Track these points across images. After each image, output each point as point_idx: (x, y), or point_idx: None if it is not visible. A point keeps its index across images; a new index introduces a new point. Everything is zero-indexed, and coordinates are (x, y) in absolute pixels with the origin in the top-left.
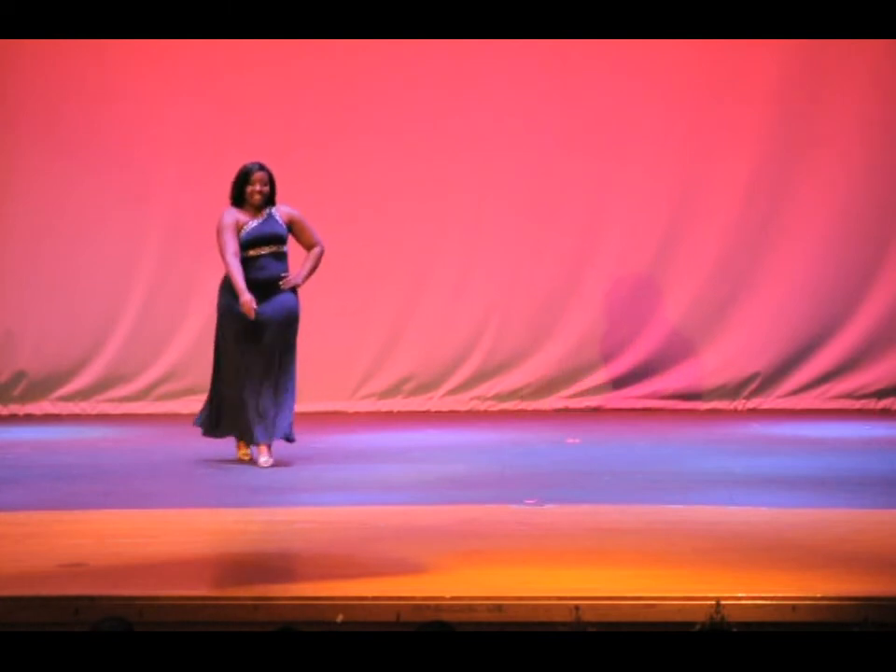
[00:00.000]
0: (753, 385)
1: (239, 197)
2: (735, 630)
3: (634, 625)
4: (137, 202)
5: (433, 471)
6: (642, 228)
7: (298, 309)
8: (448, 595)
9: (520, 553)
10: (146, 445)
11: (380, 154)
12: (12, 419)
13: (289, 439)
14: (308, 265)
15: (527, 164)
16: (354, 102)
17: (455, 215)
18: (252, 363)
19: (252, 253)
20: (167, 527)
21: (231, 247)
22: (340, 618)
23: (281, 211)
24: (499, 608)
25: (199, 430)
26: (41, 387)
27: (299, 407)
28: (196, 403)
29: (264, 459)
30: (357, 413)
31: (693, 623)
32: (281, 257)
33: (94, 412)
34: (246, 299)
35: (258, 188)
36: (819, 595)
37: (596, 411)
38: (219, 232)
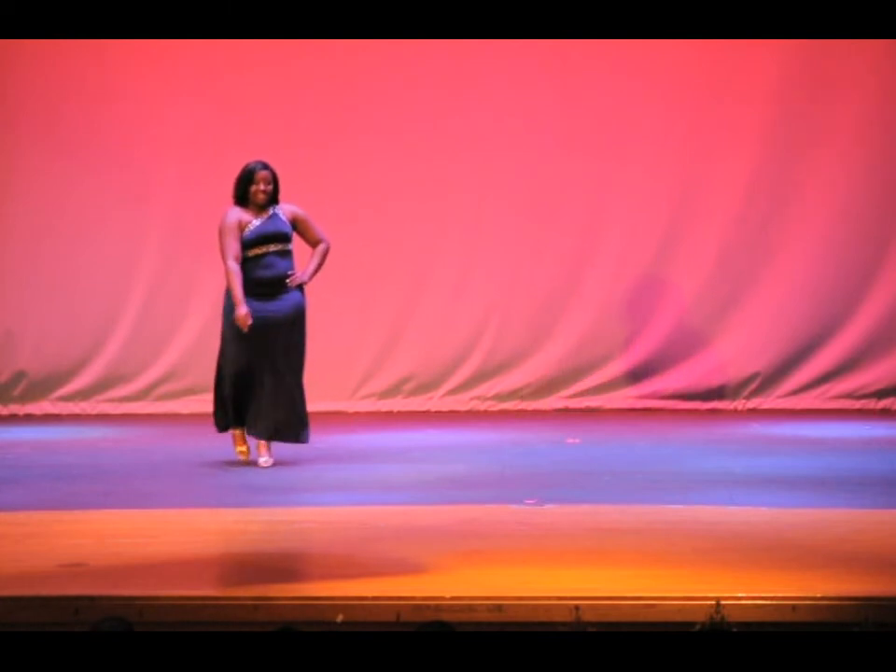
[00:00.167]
0: (753, 385)
1: (243, 196)
2: (735, 630)
3: (634, 625)
4: (137, 202)
5: (433, 471)
6: (642, 228)
7: (305, 307)
8: (448, 595)
9: (520, 553)
10: (146, 445)
11: (380, 154)
12: (12, 419)
13: (301, 440)
14: (314, 262)
15: (527, 164)
16: (354, 102)
17: (454, 215)
18: (258, 362)
19: (257, 251)
20: (167, 527)
21: (232, 251)
22: (340, 618)
23: (285, 209)
24: (499, 608)
25: (216, 432)
26: (41, 387)
27: None
28: (196, 403)
29: (264, 459)
30: (356, 413)
31: (693, 623)
32: (286, 255)
33: (94, 412)
34: (243, 312)
35: (261, 187)
36: (819, 595)
37: (596, 411)
38: (221, 234)
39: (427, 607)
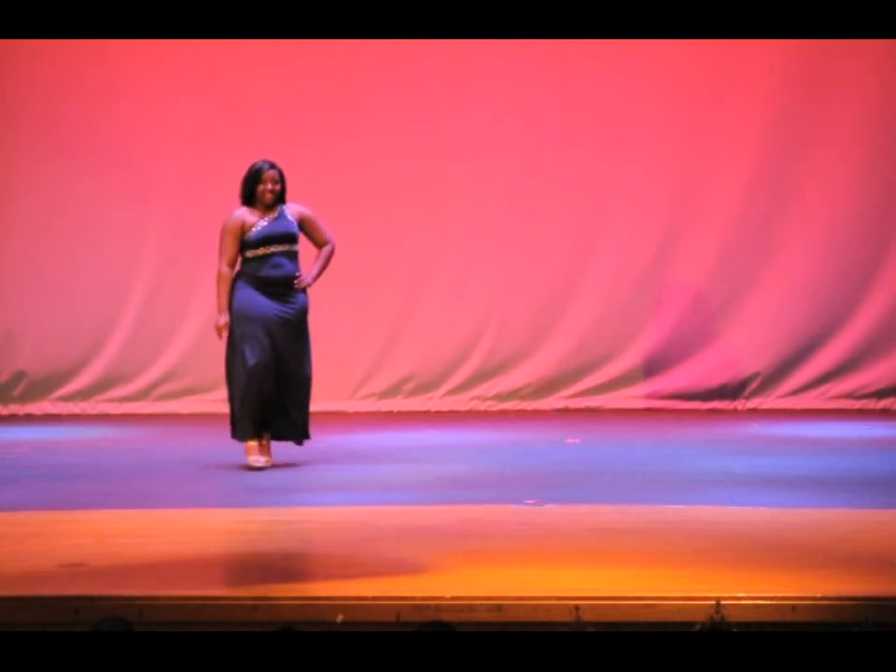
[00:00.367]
0: (753, 385)
1: (250, 196)
2: (735, 630)
3: (634, 625)
4: (137, 202)
5: (433, 471)
6: (642, 228)
7: (308, 308)
8: (448, 595)
9: (520, 553)
10: (146, 445)
11: (380, 154)
12: (12, 419)
13: (302, 441)
14: (319, 263)
15: (527, 164)
16: (354, 102)
17: (455, 215)
18: (275, 363)
19: (264, 251)
20: (167, 527)
21: (228, 255)
22: (340, 618)
23: (292, 209)
24: (499, 608)
25: (236, 440)
26: (41, 387)
27: None
28: (196, 403)
29: (266, 459)
30: (356, 413)
31: (693, 623)
32: (293, 256)
33: (94, 412)
34: (223, 322)
35: (269, 186)
36: (819, 595)
37: (596, 411)
38: (222, 234)
39: (427, 607)
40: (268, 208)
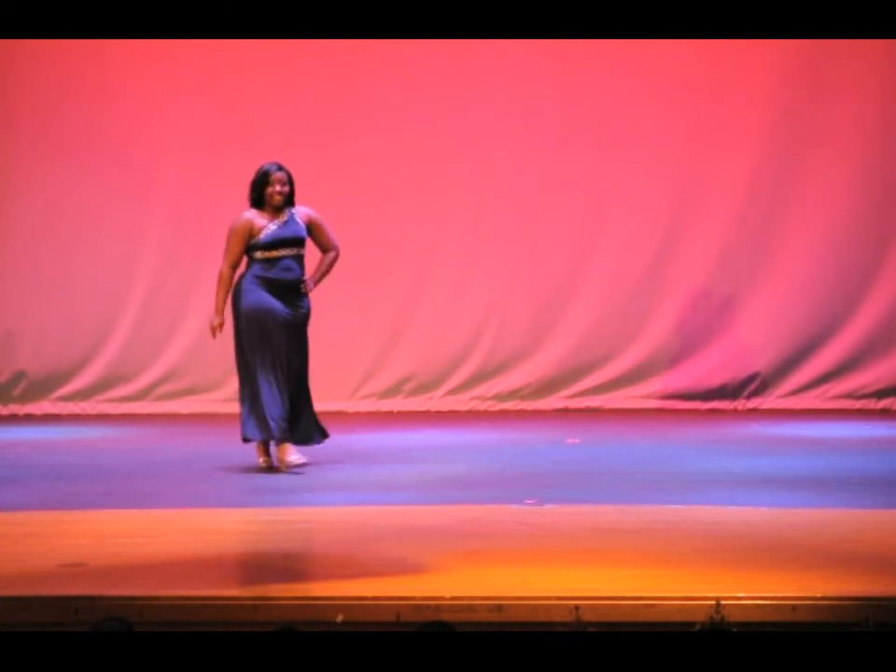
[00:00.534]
0: (753, 385)
1: (259, 199)
2: (735, 630)
3: (634, 625)
4: (137, 202)
5: (433, 471)
6: (642, 228)
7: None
8: (448, 595)
9: (520, 553)
10: (146, 445)
11: (380, 154)
12: (12, 419)
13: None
14: (322, 269)
15: (527, 164)
16: (354, 102)
17: (455, 215)
18: (286, 365)
19: (274, 254)
20: (167, 527)
21: (232, 256)
22: (340, 618)
23: (301, 212)
24: (499, 608)
25: (248, 441)
26: (41, 387)
27: None
28: (196, 403)
29: (297, 457)
30: (356, 413)
31: (693, 623)
32: (301, 259)
33: (94, 412)
34: (218, 322)
35: (277, 188)
36: (819, 595)
37: (596, 411)
38: (229, 235)
39: (427, 607)
40: (277, 211)
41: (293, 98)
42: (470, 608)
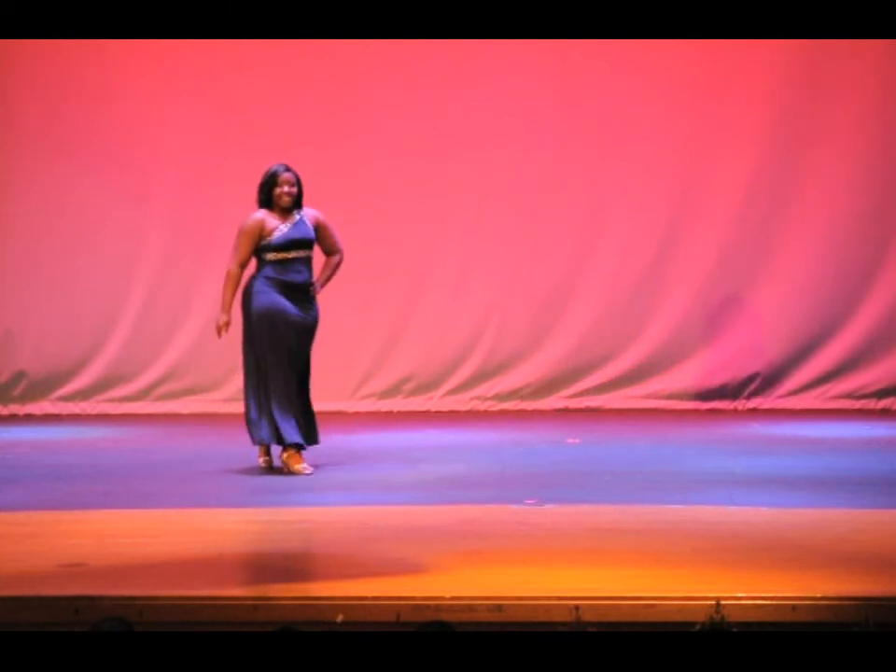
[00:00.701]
0: (753, 385)
1: (267, 200)
2: (735, 630)
3: (634, 625)
4: (137, 202)
5: (433, 471)
6: (642, 228)
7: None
8: (448, 595)
9: (520, 553)
10: (146, 445)
11: (380, 154)
12: (12, 419)
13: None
14: (327, 272)
15: (527, 164)
16: (354, 102)
17: (455, 215)
18: (298, 367)
19: (285, 255)
20: (167, 527)
21: (241, 255)
22: (340, 618)
23: (308, 214)
24: (499, 608)
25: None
26: (41, 387)
27: None
28: (196, 403)
29: (305, 466)
30: (356, 413)
31: (693, 623)
32: (310, 262)
33: (94, 412)
34: (225, 321)
35: (285, 189)
36: (819, 595)
37: (596, 411)
38: (239, 234)
39: (427, 607)
40: (285, 212)
41: (293, 98)
42: (470, 608)
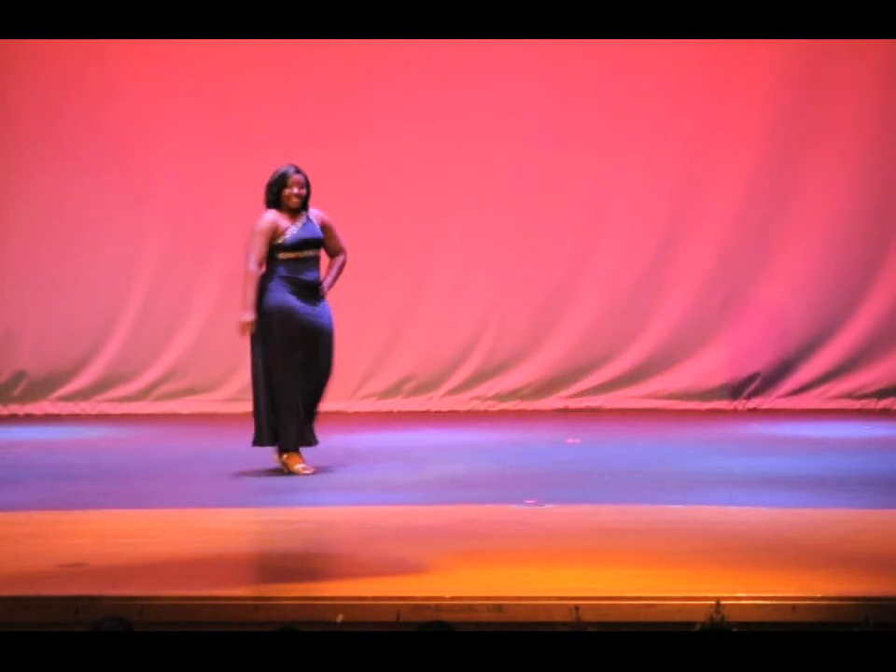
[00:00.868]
0: (753, 385)
1: (276, 200)
2: (735, 630)
3: (634, 625)
4: (137, 202)
5: (433, 471)
6: (642, 228)
7: None
8: (448, 595)
9: (520, 553)
10: (146, 445)
11: (380, 154)
12: (12, 419)
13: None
14: (333, 273)
15: (527, 164)
16: (354, 102)
17: (455, 215)
18: (310, 367)
19: (297, 255)
20: (167, 527)
21: (258, 255)
22: (340, 618)
23: (315, 215)
24: (499, 608)
25: (263, 447)
26: (41, 387)
27: None
28: (196, 403)
29: (303, 466)
30: (357, 413)
31: (693, 623)
32: (319, 261)
33: (94, 412)
34: (251, 318)
35: (295, 190)
36: (819, 595)
37: (596, 411)
38: (254, 234)
39: (427, 607)
40: (294, 213)
41: (293, 98)
42: (470, 608)
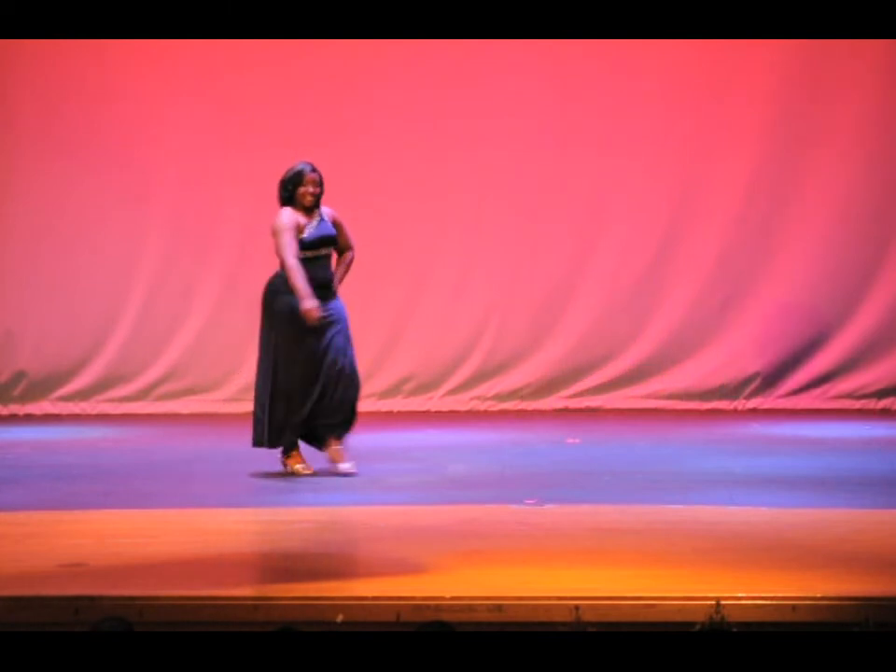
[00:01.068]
0: (753, 385)
1: (290, 197)
2: (735, 630)
3: (634, 625)
4: (137, 202)
5: (433, 471)
6: (642, 228)
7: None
8: (448, 595)
9: (520, 553)
10: (146, 445)
11: (380, 154)
12: (12, 419)
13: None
14: (342, 270)
15: (527, 164)
16: (354, 102)
17: (455, 215)
18: (324, 362)
19: (315, 253)
20: (167, 527)
21: (292, 249)
22: (340, 618)
23: (326, 213)
24: (499, 608)
25: (262, 447)
26: (41, 387)
27: None
28: (196, 403)
29: (348, 465)
30: (356, 413)
31: (693, 623)
32: (331, 259)
33: (94, 412)
34: (313, 305)
35: (310, 189)
36: (819, 595)
37: (596, 411)
38: (279, 232)
39: (427, 607)
40: (308, 211)
41: (293, 98)
42: (470, 608)
